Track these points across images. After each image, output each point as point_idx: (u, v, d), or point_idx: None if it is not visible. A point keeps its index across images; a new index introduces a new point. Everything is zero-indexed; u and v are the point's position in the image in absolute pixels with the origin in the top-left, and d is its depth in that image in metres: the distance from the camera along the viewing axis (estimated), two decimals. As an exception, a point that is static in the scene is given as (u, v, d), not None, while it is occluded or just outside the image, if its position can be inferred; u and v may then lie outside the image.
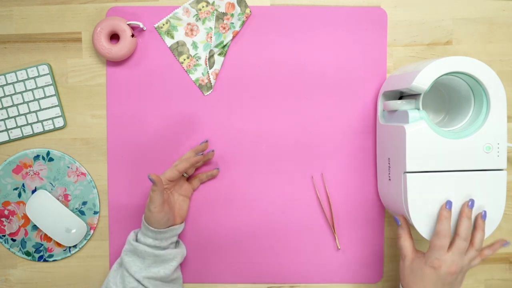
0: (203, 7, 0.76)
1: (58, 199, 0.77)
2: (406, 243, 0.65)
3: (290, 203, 0.77)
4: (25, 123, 0.76)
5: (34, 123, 0.76)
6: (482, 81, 0.62)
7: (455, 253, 0.61)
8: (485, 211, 0.63)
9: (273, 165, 0.77)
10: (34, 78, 0.76)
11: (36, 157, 0.77)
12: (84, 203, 0.77)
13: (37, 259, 0.78)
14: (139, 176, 0.77)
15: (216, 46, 0.76)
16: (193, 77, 0.77)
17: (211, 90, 0.77)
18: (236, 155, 0.77)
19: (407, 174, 0.63)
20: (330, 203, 0.77)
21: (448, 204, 0.62)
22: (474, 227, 0.63)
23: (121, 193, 0.77)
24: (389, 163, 0.69)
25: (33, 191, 0.77)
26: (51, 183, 0.77)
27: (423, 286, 0.61)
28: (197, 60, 0.77)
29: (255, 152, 0.77)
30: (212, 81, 0.76)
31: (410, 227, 0.67)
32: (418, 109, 0.65)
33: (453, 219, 0.63)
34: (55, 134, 0.78)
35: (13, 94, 0.76)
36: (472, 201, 0.63)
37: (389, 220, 0.78)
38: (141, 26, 0.75)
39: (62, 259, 0.78)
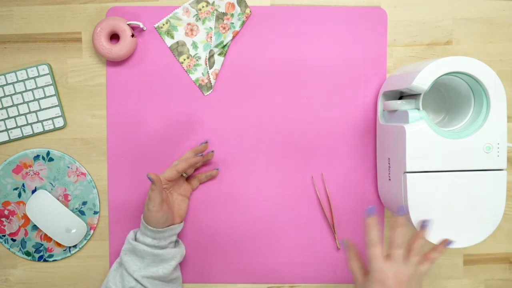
0: (203, 7, 0.76)
1: (58, 199, 0.77)
2: (355, 265, 0.63)
3: (290, 203, 0.77)
4: (25, 123, 0.76)
5: (34, 123, 0.76)
6: (482, 81, 0.62)
7: (395, 261, 0.58)
8: (426, 220, 0.62)
9: (273, 165, 0.77)
10: (34, 78, 0.76)
11: (36, 157, 0.77)
12: (84, 203, 0.77)
13: (37, 259, 0.78)
14: (139, 176, 0.77)
15: (216, 46, 0.76)
16: (193, 77, 0.77)
17: (211, 90, 0.77)
18: (236, 155, 0.77)
19: (407, 174, 0.63)
20: (330, 203, 0.77)
21: (370, 210, 0.61)
22: (413, 235, 0.62)
23: (121, 193, 0.77)
24: (389, 163, 0.69)
25: (33, 191, 0.77)
26: (51, 183, 0.77)
27: None
28: (197, 60, 0.77)
29: (255, 152, 0.77)
30: (212, 81, 0.76)
31: (355, 249, 0.65)
32: (418, 109, 0.65)
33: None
34: (55, 134, 0.78)
35: (13, 94, 0.76)
36: (401, 207, 0.61)
37: (389, 220, 0.78)
38: (141, 26, 0.75)
39: (62, 259, 0.78)
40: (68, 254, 0.78)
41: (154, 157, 0.77)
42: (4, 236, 0.78)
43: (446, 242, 0.63)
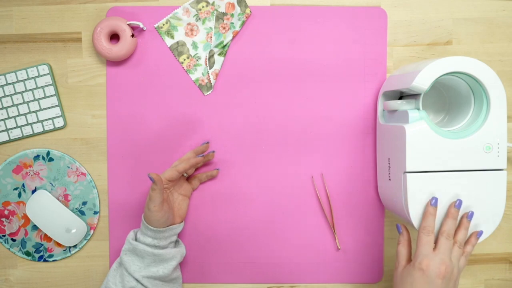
0: (203, 7, 0.76)
1: (58, 199, 0.77)
2: (403, 250, 0.64)
3: (290, 203, 0.77)
4: (25, 123, 0.76)
5: (34, 123, 0.76)
6: (482, 81, 0.62)
7: (441, 252, 0.59)
8: (472, 212, 0.63)
9: (273, 165, 0.77)
10: (34, 78, 0.76)
11: (36, 157, 0.77)
12: (84, 203, 0.77)
13: (37, 259, 0.78)
14: (139, 176, 0.77)
15: (216, 46, 0.76)
16: (193, 77, 0.77)
17: (211, 90, 0.77)
18: (236, 154, 0.77)
19: (407, 174, 0.63)
20: (330, 203, 0.77)
21: (434, 200, 0.62)
22: (458, 225, 0.63)
23: (121, 193, 0.77)
24: (389, 163, 0.69)
25: (33, 191, 0.77)
26: (51, 183, 0.77)
27: None
28: (197, 60, 0.77)
29: (255, 152, 0.77)
30: (212, 81, 0.76)
31: (410, 236, 0.66)
32: (418, 109, 0.65)
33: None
34: (55, 134, 0.78)
35: (13, 94, 0.76)
36: (460, 201, 0.62)
37: (389, 220, 0.78)
38: (141, 26, 0.75)
39: (62, 259, 0.78)
40: (68, 254, 0.78)
41: (154, 157, 0.77)
42: (4, 236, 0.78)
43: (476, 234, 0.63)
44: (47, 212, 0.75)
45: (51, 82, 0.76)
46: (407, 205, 0.63)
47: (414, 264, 0.60)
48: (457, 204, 0.62)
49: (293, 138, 0.77)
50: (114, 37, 0.76)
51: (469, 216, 0.63)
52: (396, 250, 0.65)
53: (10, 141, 0.77)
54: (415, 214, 0.63)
